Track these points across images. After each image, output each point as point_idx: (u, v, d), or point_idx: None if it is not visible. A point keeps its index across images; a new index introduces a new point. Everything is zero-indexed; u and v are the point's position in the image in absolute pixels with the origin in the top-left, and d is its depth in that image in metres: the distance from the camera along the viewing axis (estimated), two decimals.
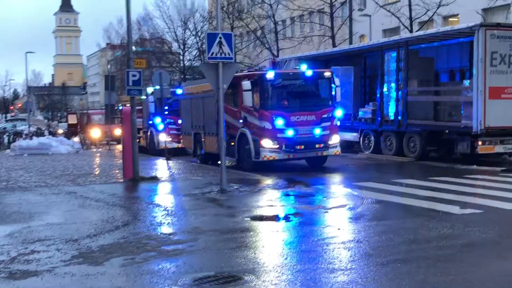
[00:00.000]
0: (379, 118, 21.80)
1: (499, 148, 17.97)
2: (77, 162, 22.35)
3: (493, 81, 17.49)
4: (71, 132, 42.48)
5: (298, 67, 21.79)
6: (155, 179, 16.08)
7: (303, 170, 18.26)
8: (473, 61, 17.89)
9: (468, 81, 18.54)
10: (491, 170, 16.66)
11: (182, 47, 49.27)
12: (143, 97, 25.34)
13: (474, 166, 17.47)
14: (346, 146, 22.07)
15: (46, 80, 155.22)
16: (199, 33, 46.94)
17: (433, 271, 6.82)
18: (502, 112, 17.60)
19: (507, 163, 17.68)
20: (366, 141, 22.70)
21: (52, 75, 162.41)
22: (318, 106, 17.95)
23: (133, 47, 18.34)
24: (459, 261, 7.23)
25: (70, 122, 48.02)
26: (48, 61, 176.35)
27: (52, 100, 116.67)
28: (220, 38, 13.22)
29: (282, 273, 6.88)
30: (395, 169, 18.65)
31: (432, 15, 29.77)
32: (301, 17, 47.17)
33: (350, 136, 23.10)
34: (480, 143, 17.69)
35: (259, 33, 43.30)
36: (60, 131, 45.79)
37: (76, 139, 36.33)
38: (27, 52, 61.20)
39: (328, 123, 17.80)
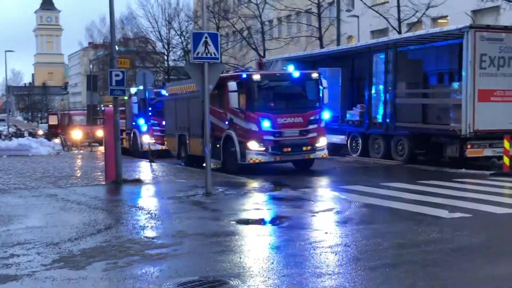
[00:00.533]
0: (367, 121, 21.89)
1: (488, 152, 18.11)
2: (58, 164, 22.21)
3: (482, 83, 17.62)
4: (51, 133, 42.22)
5: (285, 68, 21.84)
6: (138, 182, 16.02)
7: (289, 173, 18.28)
8: (462, 64, 18.02)
9: (457, 83, 18.66)
10: (480, 173, 16.78)
11: (166, 47, 49.18)
12: (126, 97, 25.24)
13: (463, 170, 17.59)
14: (334, 149, 22.10)
15: (26, 79, 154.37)
16: (184, 33, 46.90)
17: (421, 275, 6.85)
18: (491, 115, 17.73)
19: (496, 167, 17.80)
20: (353, 144, 22.78)
21: (32, 74, 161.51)
22: (305, 108, 18.00)
23: (116, 47, 18.26)
24: (448, 265, 7.27)
25: (50, 123, 47.79)
26: (28, 60, 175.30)
27: (32, 101, 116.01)
28: (206, 37, 13.20)
29: (268, 278, 6.88)
30: (383, 172, 18.73)
31: (421, 16, 29.99)
32: (288, 17, 47.28)
33: (338, 138, 23.16)
34: (469, 146, 17.83)
35: (245, 33, 43.33)
36: (41, 132, 45.53)
37: (57, 140, 36.11)
38: (6, 51, 60.80)
39: (316, 126, 17.84)
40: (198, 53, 13.17)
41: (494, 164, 18.44)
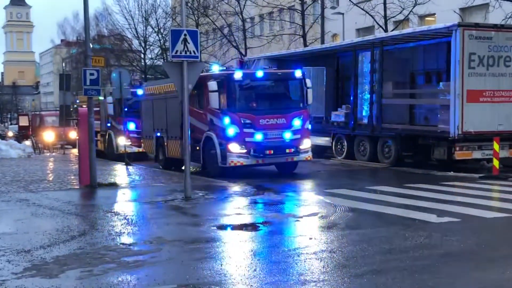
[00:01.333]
0: (353, 122, 21.98)
1: (477, 154, 18.24)
2: (29, 167, 22.05)
3: (471, 83, 17.75)
4: (22, 135, 41.95)
5: (267, 67, 21.87)
6: (114, 186, 15.96)
7: (272, 176, 18.31)
8: (450, 63, 18.15)
9: (445, 83, 18.79)
10: (469, 176, 16.91)
11: (143, 44, 49.04)
12: (101, 97, 25.11)
13: (451, 173, 17.72)
14: (318, 151, 22.20)
15: None
16: (162, 30, 46.80)
17: (409, 282, 6.89)
18: (480, 116, 17.87)
19: (486, 169, 17.97)
20: (338, 146, 22.86)
21: (2, 73, 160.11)
22: (289, 108, 18.03)
23: (91, 44, 18.18)
24: (436, 272, 7.32)
25: (21, 124, 47.45)
26: None
27: (2, 101, 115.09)
28: (185, 35, 13.18)
29: (251, 286, 6.88)
30: (369, 175, 18.83)
31: (408, 14, 30.22)
32: (271, 14, 47.38)
33: (322, 140, 23.24)
34: (457, 148, 17.94)
35: (226, 30, 43.32)
36: (10, 134, 45.19)
37: (27, 142, 35.85)
38: None
39: (299, 127, 17.87)
40: (176, 51, 13.14)
41: (483, 167, 18.61)
